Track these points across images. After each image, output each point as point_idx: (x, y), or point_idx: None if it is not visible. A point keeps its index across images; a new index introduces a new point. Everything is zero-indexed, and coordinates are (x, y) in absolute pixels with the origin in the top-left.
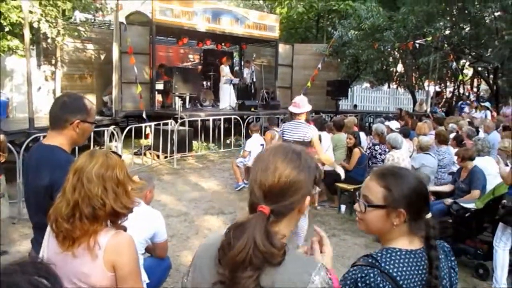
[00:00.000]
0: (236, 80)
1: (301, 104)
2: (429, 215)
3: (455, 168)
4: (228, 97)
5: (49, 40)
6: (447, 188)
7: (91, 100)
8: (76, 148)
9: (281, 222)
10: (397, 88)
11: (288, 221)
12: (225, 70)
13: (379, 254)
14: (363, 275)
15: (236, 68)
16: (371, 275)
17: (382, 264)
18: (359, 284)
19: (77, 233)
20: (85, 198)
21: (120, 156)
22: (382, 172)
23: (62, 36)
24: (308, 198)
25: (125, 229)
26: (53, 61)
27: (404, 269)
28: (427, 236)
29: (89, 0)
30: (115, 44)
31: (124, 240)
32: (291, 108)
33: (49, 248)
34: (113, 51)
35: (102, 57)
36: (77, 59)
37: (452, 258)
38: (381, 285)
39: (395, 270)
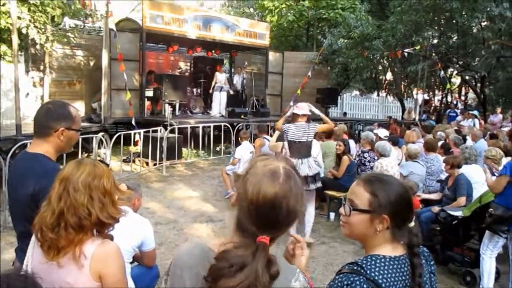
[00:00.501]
0: (226, 87)
1: (305, 108)
2: (412, 224)
3: (443, 176)
4: (219, 104)
5: (38, 46)
6: (436, 196)
7: (79, 106)
8: (64, 155)
9: (274, 242)
10: (386, 96)
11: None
12: (219, 77)
13: (364, 261)
14: (349, 282)
15: (227, 75)
16: (357, 282)
17: (368, 271)
18: None
19: (62, 242)
20: (70, 208)
21: (107, 165)
22: (369, 178)
23: (51, 42)
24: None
25: (111, 238)
26: (42, 67)
27: (389, 275)
28: (411, 244)
29: (79, 6)
30: (104, 50)
31: (111, 250)
32: (296, 110)
33: (34, 257)
34: (103, 58)
35: (92, 63)
36: (66, 65)
37: (432, 263)
38: None
39: (381, 277)
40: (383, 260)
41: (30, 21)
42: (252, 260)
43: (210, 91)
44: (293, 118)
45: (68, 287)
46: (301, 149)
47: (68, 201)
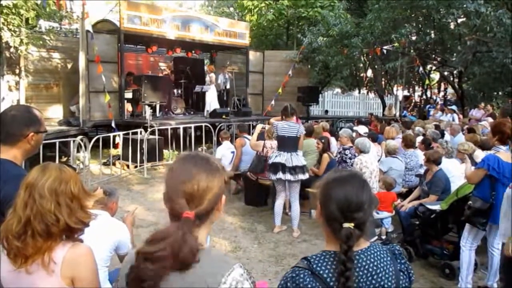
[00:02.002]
0: (206, 88)
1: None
2: (347, 225)
3: (422, 171)
4: (210, 103)
5: (12, 49)
6: (416, 192)
7: (57, 110)
8: (23, 163)
9: (204, 224)
10: (367, 93)
11: (209, 222)
12: (211, 76)
13: (314, 257)
14: (294, 275)
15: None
16: (301, 275)
17: (314, 266)
18: (288, 284)
19: (29, 250)
20: (37, 215)
21: (74, 169)
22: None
23: (26, 45)
24: (224, 197)
25: (81, 242)
26: (17, 71)
27: (337, 270)
28: (342, 245)
29: (54, 8)
30: (81, 52)
31: (82, 253)
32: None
33: (2, 266)
34: (80, 60)
35: (69, 66)
36: (43, 68)
37: (403, 261)
38: (309, 286)
39: (326, 271)
40: (333, 255)
41: (3, 23)
42: (174, 232)
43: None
44: (284, 115)
45: None
46: (289, 143)
47: (35, 208)
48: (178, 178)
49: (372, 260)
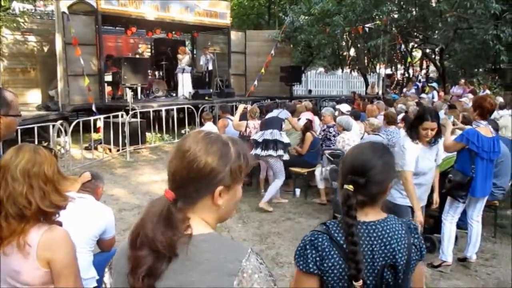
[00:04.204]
0: (188, 69)
1: None
2: (346, 186)
3: None
4: (182, 87)
5: None
6: None
7: (35, 94)
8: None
9: (193, 209)
10: (350, 72)
11: (202, 209)
12: (180, 58)
13: (332, 223)
14: (313, 238)
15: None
16: (320, 239)
17: (332, 232)
18: (307, 247)
19: (4, 232)
20: (10, 197)
21: (51, 150)
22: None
23: None
24: (220, 188)
25: (60, 224)
26: None
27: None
28: (342, 207)
29: None
30: (58, 35)
31: (58, 235)
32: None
33: None
34: (56, 43)
35: (46, 49)
36: (18, 52)
37: (416, 236)
38: (326, 250)
39: (343, 238)
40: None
41: None
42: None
43: (177, 73)
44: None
45: (15, 275)
46: (272, 122)
47: (7, 191)
48: (178, 154)
49: (388, 231)
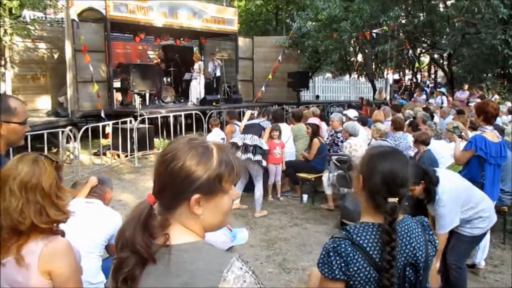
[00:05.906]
0: (196, 76)
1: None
2: (393, 200)
3: (412, 153)
4: (194, 93)
5: None
6: None
7: (45, 101)
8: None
9: (173, 215)
10: (358, 77)
11: (182, 216)
12: (195, 66)
13: (352, 228)
14: (335, 245)
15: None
16: (343, 245)
17: (354, 236)
18: (331, 253)
19: (2, 244)
20: (5, 211)
21: (53, 160)
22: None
23: (10, 36)
24: (196, 196)
25: (62, 234)
26: (2, 62)
27: (376, 240)
28: (387, 217)
29: None
30: (67, 42)
31: (60, 247)
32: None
33: None
34: (66, 50)
35: (56, 56)
36: (29, 59)
37: (430, 232)
38: (351, 255)
39: (366, 241)
40: (371, 226)
41: None
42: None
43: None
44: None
45: (16, 285)
46: (252, 129)
47: (4, 204)
48: (166, 157)
49: (406, 231)
